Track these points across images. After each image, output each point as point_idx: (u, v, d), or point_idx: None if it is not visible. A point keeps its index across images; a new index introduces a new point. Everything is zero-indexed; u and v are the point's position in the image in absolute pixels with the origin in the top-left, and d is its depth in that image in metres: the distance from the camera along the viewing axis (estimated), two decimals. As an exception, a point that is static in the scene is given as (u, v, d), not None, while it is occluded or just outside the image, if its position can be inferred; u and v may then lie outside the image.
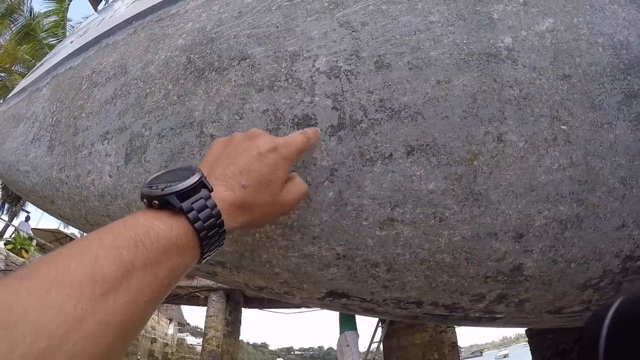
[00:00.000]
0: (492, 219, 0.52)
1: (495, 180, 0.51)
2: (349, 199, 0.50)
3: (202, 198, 0.32)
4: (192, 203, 0.31)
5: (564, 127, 0.53)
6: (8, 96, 0.90)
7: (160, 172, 0.36)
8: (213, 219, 0.32)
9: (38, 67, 0.88)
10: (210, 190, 0.33)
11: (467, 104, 0.50)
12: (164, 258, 0.28)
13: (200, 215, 0.31)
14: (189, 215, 0.30)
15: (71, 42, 0.83)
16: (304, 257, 0.53)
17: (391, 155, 0.49)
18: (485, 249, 0.53)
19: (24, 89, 0.84)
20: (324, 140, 0.49)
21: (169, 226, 0.29)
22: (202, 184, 0.33)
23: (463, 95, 0.50)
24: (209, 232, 0.31)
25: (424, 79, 0.50)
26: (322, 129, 0.50)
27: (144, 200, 0.32)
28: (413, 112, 0.49)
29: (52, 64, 0.80)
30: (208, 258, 0.34)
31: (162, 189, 0.31)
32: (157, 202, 0.31)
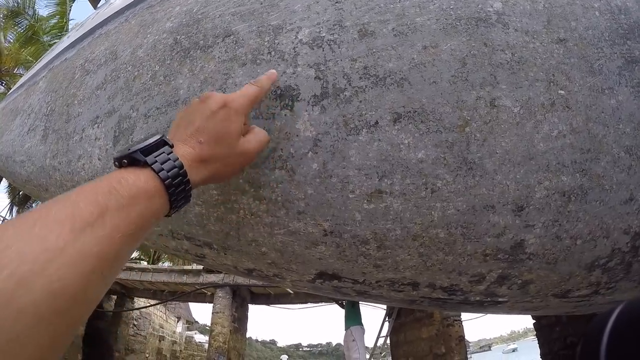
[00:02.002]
0: (488, 190, 0.49)
1: (490, 147, 0.48)
2: (333, 170, 0.48)
3: (163, 152, 0.36)
4: (155, 157, 0.35)
5: (562, 91, 0.50)
6: (8, 93, 0.92)
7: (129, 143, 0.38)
8: (176, 169, 0.35)
9: (37, 63, 0.90)
10: (171, 147, 0.38)
11: (456, 68, 0.48)
12: (134, 201, 0.31)
13: (163, 166, 0.35)
14: (153, 166, 0.34)
15: (68, 37, 0.85)
16: (290, 234, 0.51)
17: (377, 123, 0.47)
18: (482, 223, 0.50)
19: (22, 85, 0.86)
20: (306, 110, 0.48)
21: (137, 176, 0.33)
22: (163, 142, 0.37)
23: (451, 60, 0.48)
24: (174, 181, 0.35)
25: (410, 44, 0.48)
26: (305, 99, 0.48)
27: (116, 163, 0.36)
28: (399, 79, 0.47)
29: (49, 59, 0.81)
30: (178, 209, 0.37)
31: (128, 149, 0.35)
32: (125, 160, 0.35)
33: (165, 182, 0.34)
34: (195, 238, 0.56)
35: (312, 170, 0.48)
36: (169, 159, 0.35)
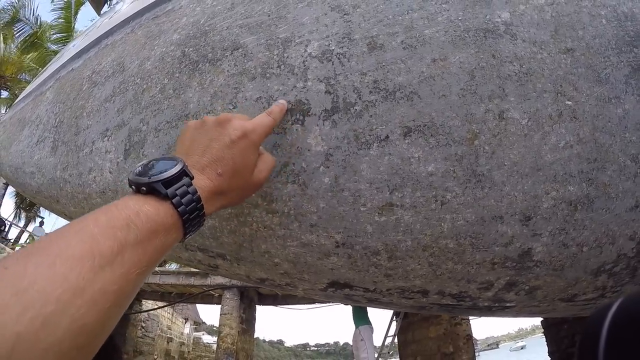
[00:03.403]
0: (496, 201, 0.50)
1: (499, 160, 0.49)
2: (345, 184, 0.48)
3: (184, 185, 0.35)
4: (175, 190, 0.34)
5: (569, 102, 0.50)
6: (15, 102, 0.92)
7: (145, 161, 0.38)
8: (194, 203, 0.35)
9: (43, 71, 0.90)
10: (191, 179, 0.37)
11: (465, 81, 0.48)
12: (152, 236, 0.31)
13: (182, 200, 0.34)
14: (173, 200, 0.34)
15: (74, 45, 0.84)
16: (303, 246, 0.52)
17: (387, 137, 0.48)
18: (490, 233, 0.51)
19: (29, 94, 0.86)
20: (317, 125, 0.48)
21: (157, 209, 0.33)
22: (184, 173, 0.36)
23: (460, 72, 0.48)
24: (191, 215, 0.35)
25: (419, 57, 0.49)
26: (315, 114, 0.49)
27: (132, 186, 0.35)
28: (408, 92, 0.48)
29: (55, 68, 0.81)
30: (190, 237, 0.37)
31: (150, 177, 0.34)
32: (144, 188, 0.34)
33: (183, 218, 0.34)
34: (209, 250, 0.57)
35: (324, 184, 0.49)
36: (189, 193, 0.35)
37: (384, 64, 0.49)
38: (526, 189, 0.50)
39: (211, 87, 0.54)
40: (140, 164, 0.37)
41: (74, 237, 0.28)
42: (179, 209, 0.34)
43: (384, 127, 0.48)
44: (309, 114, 0.49)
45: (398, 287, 0.56)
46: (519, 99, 0.49)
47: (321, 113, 0.49)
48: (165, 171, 0.35)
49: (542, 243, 0.53)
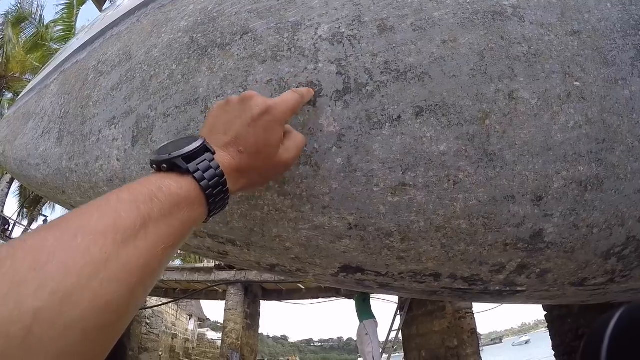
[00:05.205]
0: (508, 180, 0.50)
1: (510, 139, 0.49)
2: (358, 164, 0.48)
3: (205, 160, 0.35)
4: (197, 164, 0.34)
5: (577, 83, 0.51)
6: (19, 97, 0.92)
7: (166, 142, 0.38)
8: (217, 178, 0.34)
9: (46, 67, 0.90)
10: (213, 154, 0.36)
11: (475, 62, 0.49)
12: (176, 210, 0.30)
13: (205, 174, 0.34)
14: (195, 174, 0.33)
15: (77, 39, 0.84)
16: (315, 228, 0.52)
17: (399, 117, 0.48)
18: (503, 213, 0.51)
19: (33, 88, 0.85)
20: (329, 106, 0.48)
21: (179, 183, 0.32)
22: (205, 148, 0.36)
23: (470, 53, 0.49)
24: (214, 190, 0.34)
25: (429, 39, 0.49)
26: (327, 95, 0.49)
27: (154, 165, 0.35)
28: (420, 73, 0.48)
29: (59, 61, 0.81)
30: (214, 214, 0.36)
31: (170, 154, 0.34)
32: (165, 165, 0.34)
33: (207, 192, 0.33)
34: (219, 235, 0.57)
35: (336, 165, 0.48)
36: (211, 167, 0.34)
37: (394, 45, 0.49)
38: (537, 168, 0.50)
39: (221, 71, 0.54)
40: (161, 145, 0.37)
41: (95, 211, 0.27)
42: (201, 183, 0.33)
43: (396, 107, 0.48)
44: (321, 95, 0.49)
45: (410, 271, 0.56)
46: (528, 79, 0.50)
47: (333, 94, 0.49)
48: (186, 147, 0.34)
49: (553, 224, 0.53)
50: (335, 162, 0.48)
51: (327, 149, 0.48)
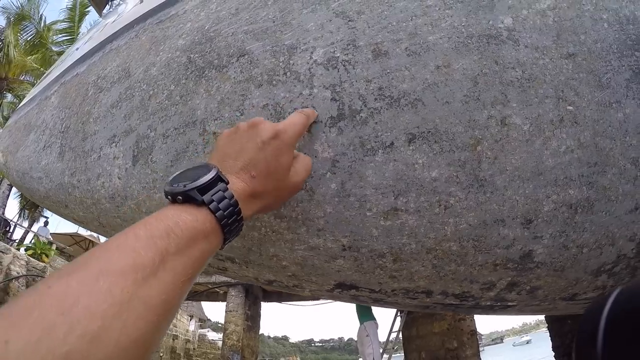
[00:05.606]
0: (498, 205, 0.51)
1: (501, 165, 0.50)
2: (351, 189, 0.49)
3: (220, 190, 0.35)
4: (211, 195, 0.34)
5: (571, 107, 0.51)
6: (19, 106, 0.93)
7: (179, 172, 0.38)
8: (232, 207, 0.35)
9: (46, 75, 0.90)
10: (227, 183, 0.37)
11: (468, 88, 0.49)
12: (192, 243, 0.31)
13: (220, 205, 0.34)
14: (210, 206, 0.34)
15: (77, 49, 0.85)
16: (310, 249, 0.53)
17: (392, 144, 0.49)
18: (493, 236, 0.52)
19: (33, 98, 0.86)
20: (324, 132, 0.49)
21: (195, 216, 0.33)
22: (219, 178, 0.36)
23: (463, 79, 0.49)
24: (229, 220, 0.35)
25: (423, 64, 0.49)
26: (322, 121, 0.50)
27: (168, 197, 0.35)
28: (413, 99, 0.49)
29: (59, 72, 0.82)
30: (230, 242, 0.37)
31: (185, 186, 0.34)
32: (180, 197, 0.34)
33: (222, 222, 0.34)
34: (218, 253, 0.58)
35: (330, 190, 0.50)
36: (225, 198, 0.35)
37: (388, 70, 0.50)
38: (527, 193, 0.51)
39: (218, 94, 0.55)
40: (174, 174, 0.38)
41: (115, 251, 0.28)
42: (216, 214, 0.34)
43: (389, 133, 0.49)
44: (316, 121, 0.50)
45: (403, 288, 0.58)
46: (521, 104, 0.50)
47: (327, 120, 0.49)
48: (200, 178, 0.35)
49: (542, 245, 0.54)
50: (330, 187, 0.50)
51: (321, 174, 0.49)
